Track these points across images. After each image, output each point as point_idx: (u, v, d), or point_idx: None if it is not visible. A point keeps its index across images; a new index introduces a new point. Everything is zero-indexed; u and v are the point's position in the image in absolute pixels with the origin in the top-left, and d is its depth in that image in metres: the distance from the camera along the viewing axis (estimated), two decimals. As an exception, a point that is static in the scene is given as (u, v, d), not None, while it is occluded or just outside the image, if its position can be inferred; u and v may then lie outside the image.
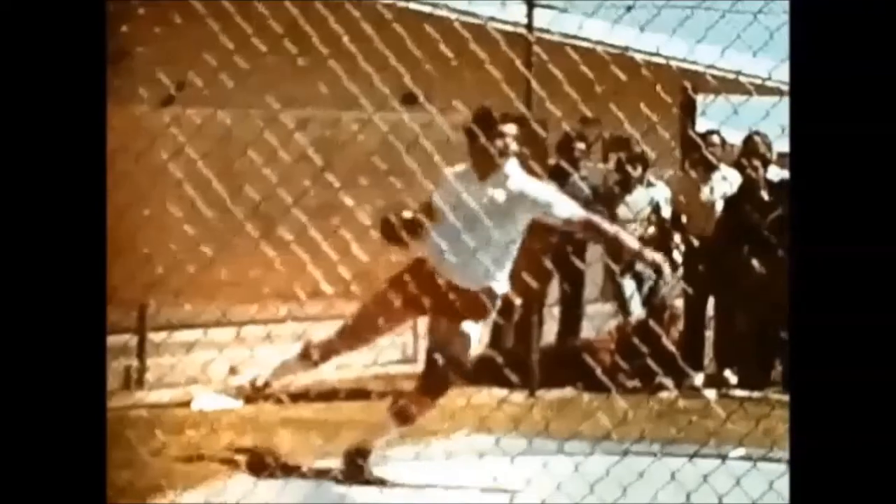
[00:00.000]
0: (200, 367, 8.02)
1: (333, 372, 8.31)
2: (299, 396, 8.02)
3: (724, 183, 10.60)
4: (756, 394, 9.60)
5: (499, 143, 6.47)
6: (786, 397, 9.41)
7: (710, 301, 10.57)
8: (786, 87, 10.71)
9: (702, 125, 13.17)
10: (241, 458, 6.75)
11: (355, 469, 6.44)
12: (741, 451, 6.59)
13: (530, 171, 6.81)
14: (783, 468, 5.88)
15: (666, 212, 10.62)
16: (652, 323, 9.43)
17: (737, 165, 10.61)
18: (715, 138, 10.81)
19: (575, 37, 9.29)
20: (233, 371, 9.41)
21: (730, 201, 10.39)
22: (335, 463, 6.53)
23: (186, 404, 8.80)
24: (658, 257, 6.58)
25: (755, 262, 9.81)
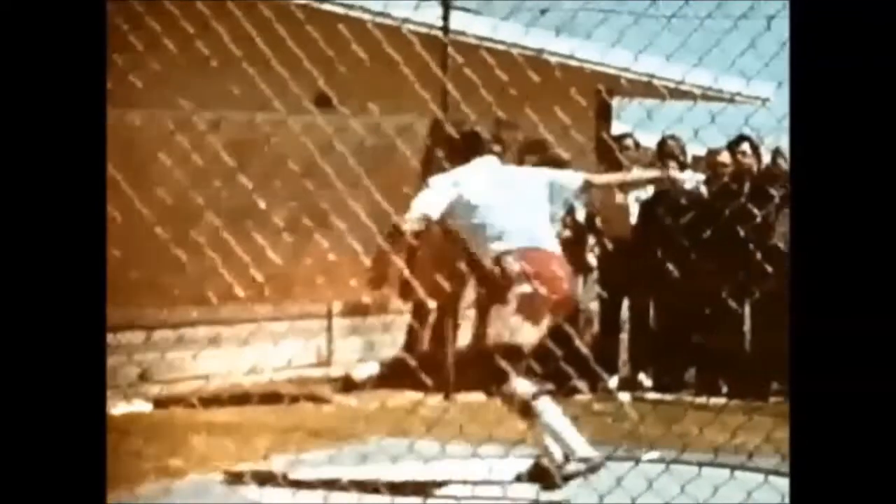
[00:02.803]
0: (109, 372, 7.90)
1: (245, 376, 8.26)
2: (211, 401, 7.94)
3: (639, 186, 10.64)
4: (670, 396, 9.65)
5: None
6: (699, 399, 9.48)
7: (625, 304, 10.61)
8: (699, 91, 10.68)
9: (617, 128, 13.23)
10: (152, 465, 6.67)
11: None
12: (654, 454, 6.61)
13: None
14: (695, 470, 5.95)
15: (581, 214, 10.64)
16: (566, 326, 9.43)
17: (652, 168, 10.66)
18: (629, 141, 10.85)
19: (490, 39, 9.29)
20: (142, 375, 9.31)
21: (645, 204, 10.44)
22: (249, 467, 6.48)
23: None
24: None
25: (670, 266, 9.86)
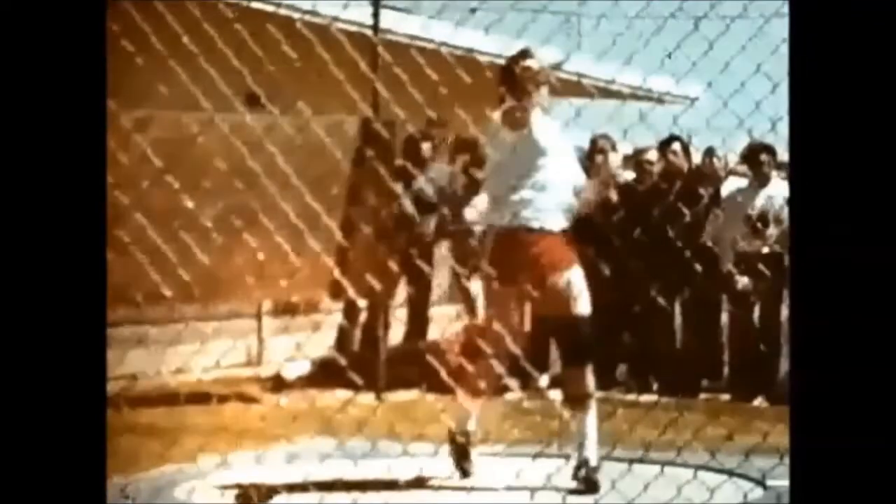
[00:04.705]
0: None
1: (172, 376, 8.18)
2: (138, 401, 7.86)
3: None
4: (600, 394, 9.66)
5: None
6: (630, 397, 9.52)
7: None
8: (628, 91, 10.76)
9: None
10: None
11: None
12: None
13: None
14: (624, 467, 5.99)
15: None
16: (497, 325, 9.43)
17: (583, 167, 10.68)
18: (559, 140, 10.86)
19: (420, 38, 9.29)
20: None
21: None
22: (172, 468, 6.45)
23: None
24: None
25: (601, 264, 9.89)
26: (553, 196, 6.29)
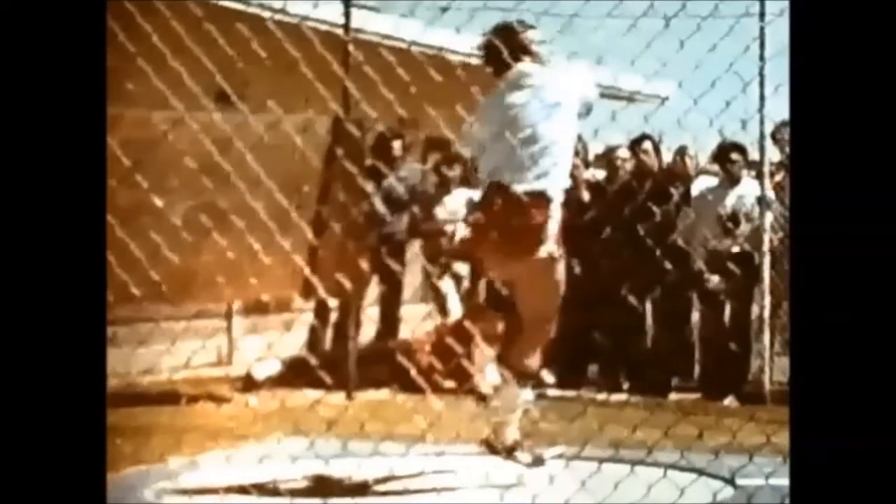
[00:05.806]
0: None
1: (141, 376, 8.16)
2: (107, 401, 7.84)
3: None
4: (571, 393, 9.69)
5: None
6: (599, 396, 9.54)
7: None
8: (599, 89, 10.65)
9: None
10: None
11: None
12: (555, 450, 6.63)
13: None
14: (594, 466, 5.98)
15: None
16: (468, 324, 9.43)
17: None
18: (531, 140, 10.86)
19: (390, 37, 9.28)
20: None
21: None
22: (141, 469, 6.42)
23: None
24: None
25: (572, 263, 9.89)
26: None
